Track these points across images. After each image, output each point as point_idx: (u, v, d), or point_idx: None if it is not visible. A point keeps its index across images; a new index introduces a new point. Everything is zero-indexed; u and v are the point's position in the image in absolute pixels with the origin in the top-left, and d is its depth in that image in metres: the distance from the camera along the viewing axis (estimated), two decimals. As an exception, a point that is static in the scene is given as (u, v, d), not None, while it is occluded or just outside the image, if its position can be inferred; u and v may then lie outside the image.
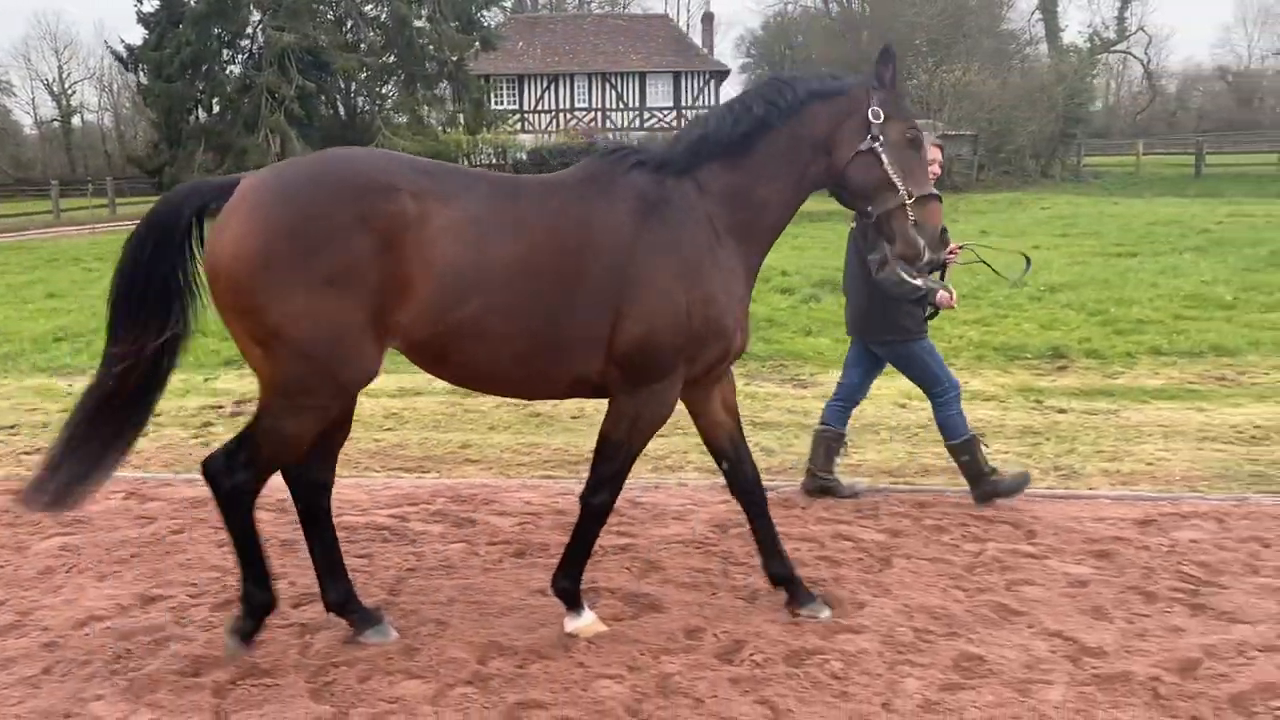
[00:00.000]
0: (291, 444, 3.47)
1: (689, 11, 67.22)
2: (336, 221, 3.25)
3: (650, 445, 3.98)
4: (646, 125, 46.30)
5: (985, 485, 5.35)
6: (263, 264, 3.22)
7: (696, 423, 4.07)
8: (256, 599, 3.66)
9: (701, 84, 46.91)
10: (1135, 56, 48.66)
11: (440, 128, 31.72)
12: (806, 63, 53.27)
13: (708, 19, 51.03)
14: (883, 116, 3.76)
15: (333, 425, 3.67)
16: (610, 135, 44.76)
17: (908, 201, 3.72)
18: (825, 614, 3.99)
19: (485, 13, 32.73)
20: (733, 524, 4.83)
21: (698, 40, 51.18)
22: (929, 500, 5.38)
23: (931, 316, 5.47)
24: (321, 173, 3.41)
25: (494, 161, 41.76)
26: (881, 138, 3.76)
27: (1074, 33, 43.90)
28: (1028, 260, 5.67)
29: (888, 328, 5.40)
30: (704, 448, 4.10)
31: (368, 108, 27.74)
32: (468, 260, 3.40)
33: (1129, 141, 43.90)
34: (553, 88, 47.08)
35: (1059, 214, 23.13)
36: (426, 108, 32.43)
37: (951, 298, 5.27)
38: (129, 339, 3.40)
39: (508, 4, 46.94)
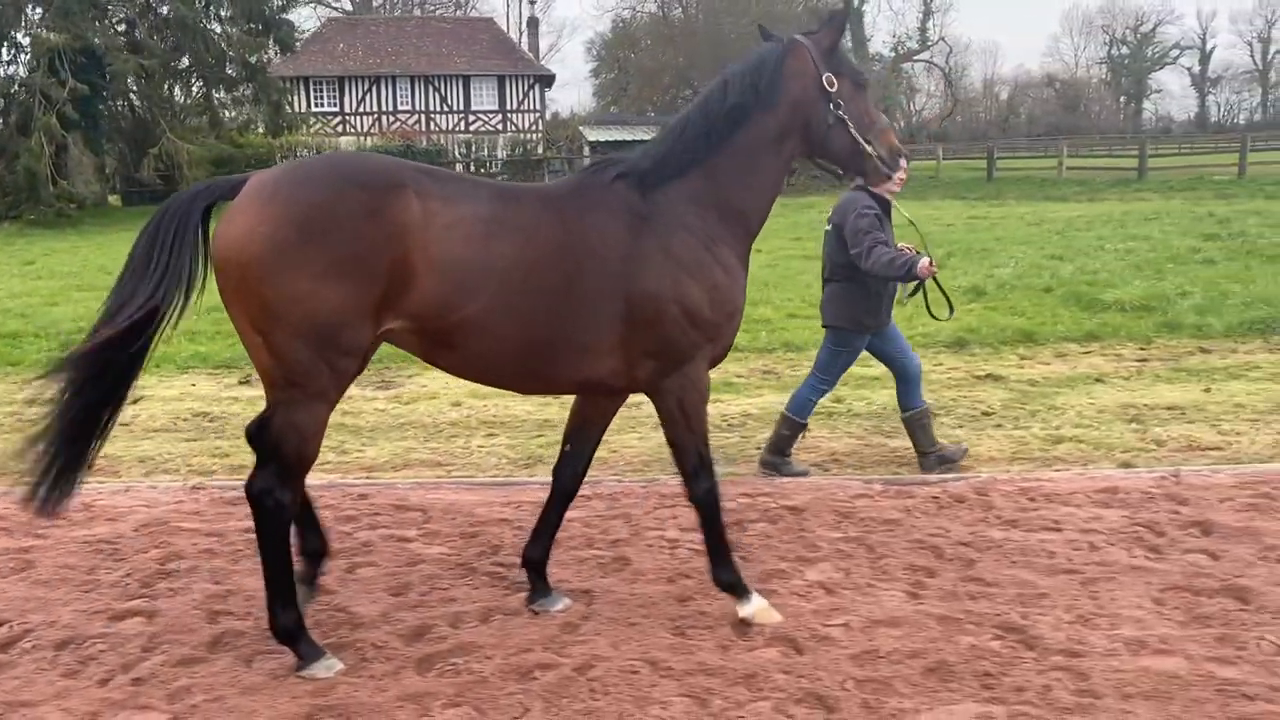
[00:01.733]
0: (310, 437, 3.41)
1: (521, 16, 66.42)
2: (343, 212, 3.27)
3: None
4: (471, 128, 45.15)
5: (931, 455, 5.70)
6: (270, 250, 3.21)
7: (576, 401, 4.07)
8: (287, 620, 3.50)
9: (527, 88, 45.95)
10: (937, 65, 50.62)
11: (236, 130, 30.02)
12: (645, 68, 53.47)
13: (532, 24, 50.06)
14: (834, 81, 3.84)
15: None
16: (433, 138, 43.53)
17: (871, 151, 3.86)
18: (560, 605, 3.98)
19: (285, 14, 31.11)
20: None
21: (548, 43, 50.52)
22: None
23: (915, 292, 5.70)
24: (330, 169, 3.44)
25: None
26: (841, 103, 3.85)
27: (879, 43, 45.33)
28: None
29: (863, 315, 5.64)
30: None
31: (154, 110, 25.90)
32: (470, 258, 3.41)
33: (932, 147, 45.59)
34: (375, 90, 45.19)
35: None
36: (225, 111, 30.73)
37: (931, 264, 5.40)
38: (123, 316, 3.32)
39: (309, 5, 45.16)
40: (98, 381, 3.38)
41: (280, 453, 3.41)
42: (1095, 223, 19.43)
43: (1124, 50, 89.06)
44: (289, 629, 3.51)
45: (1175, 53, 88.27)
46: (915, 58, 45.96)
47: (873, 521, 4.81)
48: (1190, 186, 31.36)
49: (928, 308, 5.66)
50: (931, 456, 5.70)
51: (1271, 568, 4.14)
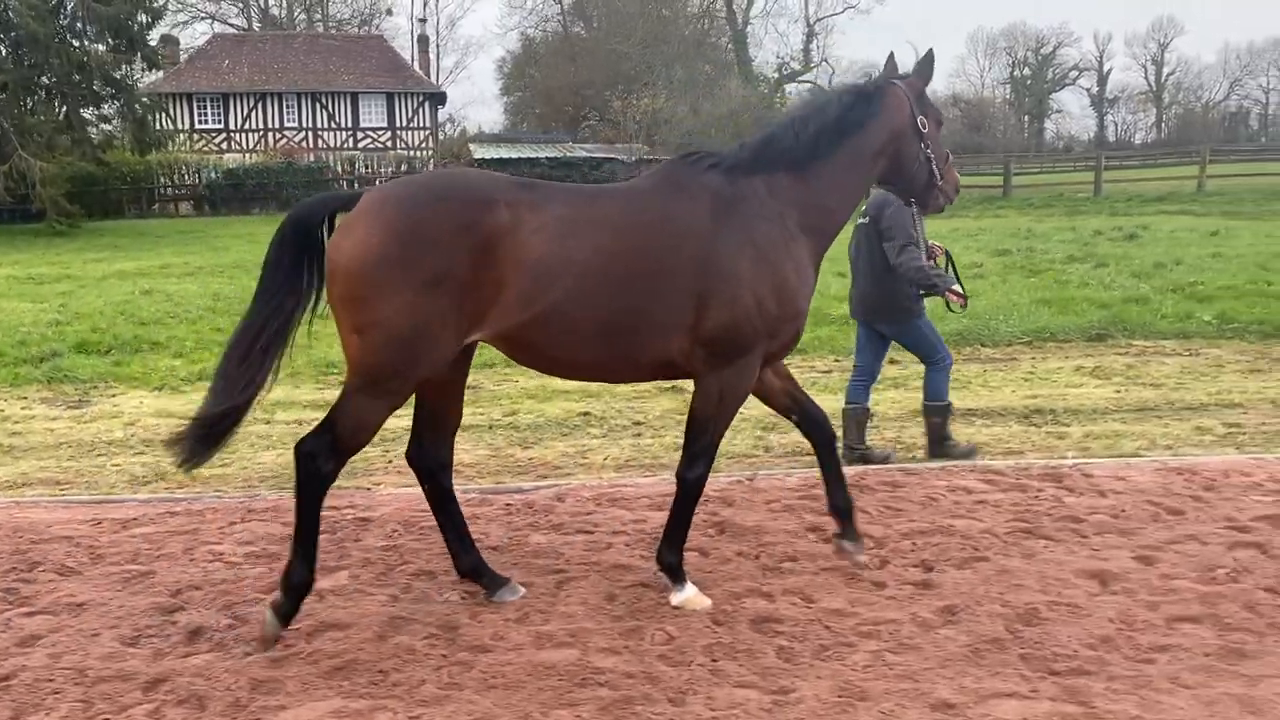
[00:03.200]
0: (369, 426, 3.71)
1: (438, 34, 66.26)
2: (441, 230, 3.55)
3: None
4: (360, 145, 44.93)
5: (942, 448, 6.11)
6: (377, 262, 3.51)
7: (758, 395, 4.30)
8: (300, 578, 3.74)
9: (417, 105, 45.98)
10: (821, 87, 51.58)
11: (99, 148, 29.44)
12: (548, 86, 53.54)
13: (423, 42, 50.14)
14: (925, 124, 4.28)
15: (449, 409, 4.17)
16: (321, 155, 43.18)
17: (941, 184, 4.38)
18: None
19: (150, 31, 30.65)
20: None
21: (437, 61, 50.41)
22: None
23: (925, 295, 6.01)
24: (433, 188, 3.76)
25: (187, 181, 39.49)
26: (929, 144, 4.29)
27: (763, 63, 46.29)
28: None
29: (895, 309, 6.01)
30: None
31: (3, 127, 25.32)
32: (553, 253, 3.67)
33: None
34: (260, 106, 44.63)
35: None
36: (91, 128, 30.14)
37: (964, 300, 5.83)
38: (266, 312, 3.70)
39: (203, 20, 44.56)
40: (251, 382, 3.71)
41: (336, 429, 3.69)
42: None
43: (1026, 71, 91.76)
44: (296, 586, 3.74)
45: (1074, 74, 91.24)
46: (799, 79, 47.02)
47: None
48: (1047, 204, 32.63)
49: (947, 305, 5.96)
50: (855, 453, 6.15)
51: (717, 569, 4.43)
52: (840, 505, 4.40)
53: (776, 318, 3.93)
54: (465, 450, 6.51)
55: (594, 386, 8.17)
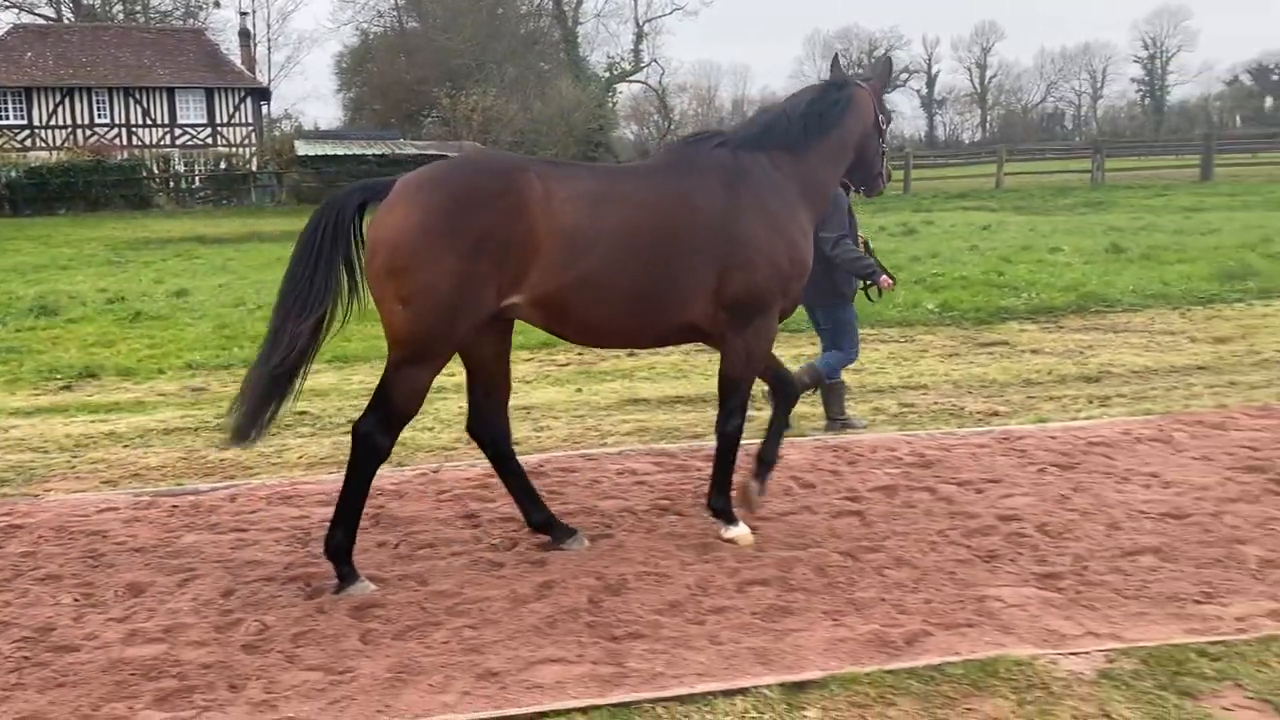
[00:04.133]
0: (419, 393, 4.02)
1: (269, 27, 64.03)
2: (480, 197, 3.85)
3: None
4: (178, 142, 43.12)
5: (839, 421, 6.62)
6: (420, 234, 3.80)
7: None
8: (341, 541, 4.08)
9: (238, 101, 44.41)
10: (651, 87, 52.70)
11: None
12: (383, 82, 52.42)
13: (244, 35, 48.47)
14: (885, 120, 4.91)
15: (500, 382, 4.53)
16: (135, 152, 41.23)
17: (885, 174, 5.05)
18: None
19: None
20: None
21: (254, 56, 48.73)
22: None
23: (864, 289, 6.50)
24: (466, 164, 4.13)
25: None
26: (885, 140, 4.94)
27: (595, 62, 46.68)
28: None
29: (834, 294, 6.43)
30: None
31: None
32: (586, 223, 4.00)
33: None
34: (68, 101, 42.33)
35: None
36: None
37: (893, 282, 6.47)
38: (299, 309, 3.91)
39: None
40: (297, 355, 3.96)
41: (389, 403, 3.98)
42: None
43: (860, 72, 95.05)
44: (340, 550, 4.09)
45: (905, 76, 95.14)
46: (629, 79, 47.61)
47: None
48: (860, 201, 33.97)
49: (866, 294, 6.60)
50: (837, 422, 6.61)
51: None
52: (767, 458, 4.81)
53: (788, 276, 4.42)
54: (157, 454, 6.43)
55: (325, 385, 8.18)
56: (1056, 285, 11.20)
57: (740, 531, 4.55)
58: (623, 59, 46.88)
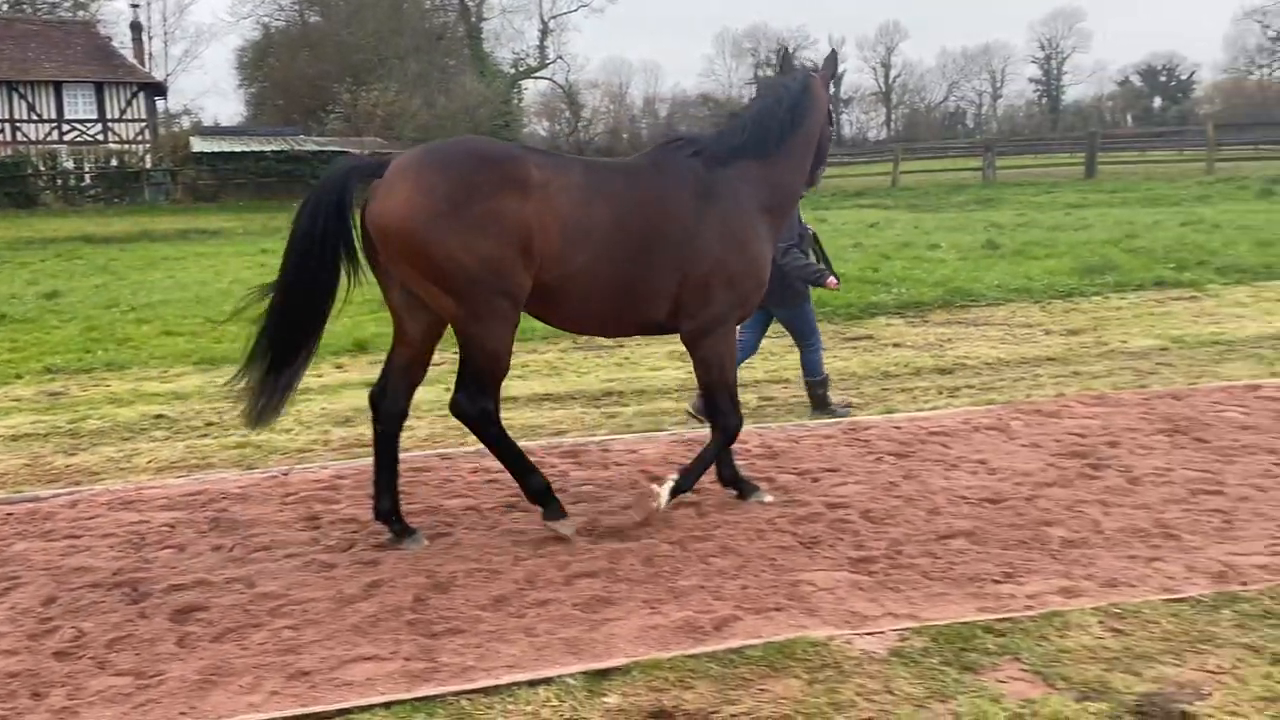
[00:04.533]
0: (502, 353, 4.22)
1: (164, 17, 61.99)
2: (483, 182, 4.00)
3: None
4: (66, 138, 41.58)
5: (825, 411, 6.89)
6: (429, 216, 3.93)
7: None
8: (535, 484, 4.43)
9: (130, 96, 42.99)
10: (558, 84, 52.66)
11: None
12: (285, 77, 51.22)
13: (136, 28, 46.97)
14: (835, 111, 5.21)
15: (416, 365, 4.56)
16: (20, 148, 39.62)
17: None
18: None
19: None
20: None
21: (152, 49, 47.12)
22: None
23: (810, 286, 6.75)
24: (467, 149, 4.21)
25: None
26: (835, 128, 5.62)
27: (501, 58, 46.38)
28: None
29: (792, 296, 6.72)
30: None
31: None
32: (582, 215, 4.20)
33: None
34: (-55, 96, 40.76)
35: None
36: None
37: (838, 283, 6.68)
38: (300, 285, 4.10)
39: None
40: (294, 326, 4.17)
41: (480, 372, 4.20)
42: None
43: (769, 72, 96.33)
44: (539, 490, 4.48)
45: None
46: (535, 75, 47.47)
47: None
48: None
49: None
50: (826, 410, 6.94)
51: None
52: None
53: (745, 292, 4.67)
54: (1, 460, 6.26)
55: (189, 388, 8.05)
56: (927, 281, 11.55)
57: (664, 492, 4.70)
58: (528, 55, 46.78)
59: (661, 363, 8.61)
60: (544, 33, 47.30)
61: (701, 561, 4.31)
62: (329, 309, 4.24)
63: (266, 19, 55.05)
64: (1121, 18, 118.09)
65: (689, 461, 4.94)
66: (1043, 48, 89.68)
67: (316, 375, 8.47)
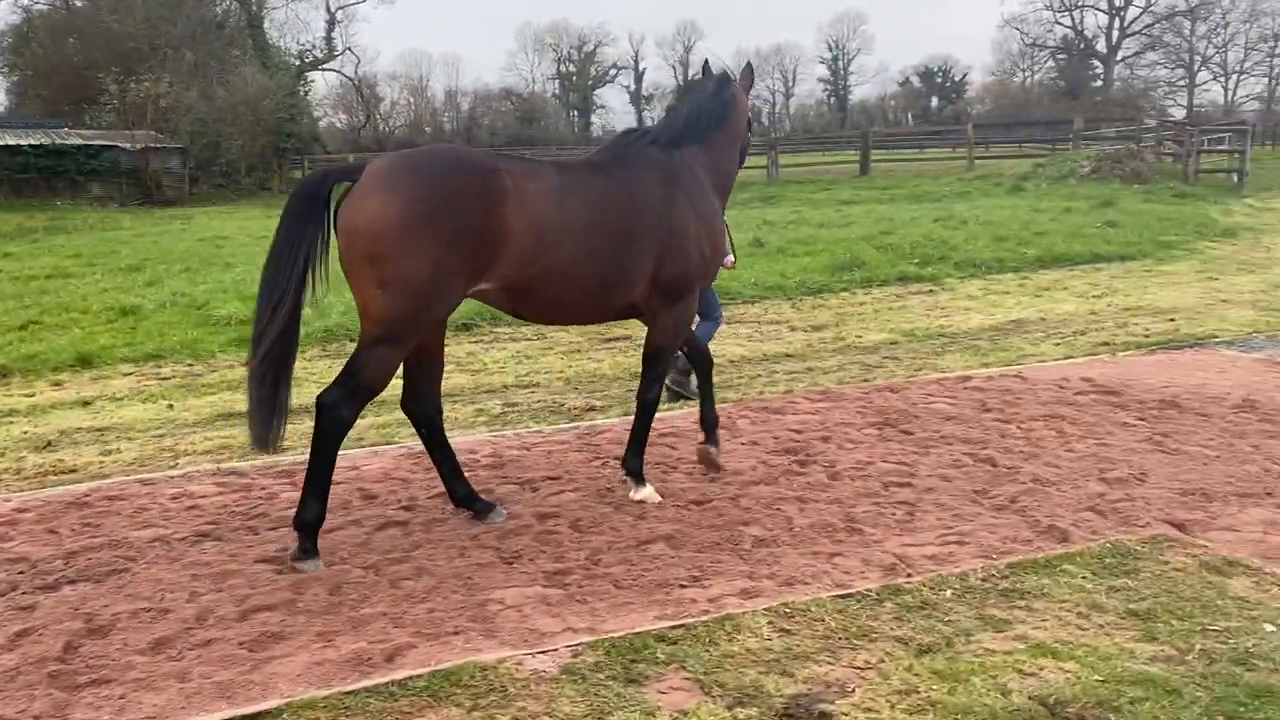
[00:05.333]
0: (387, 371, 4.25)
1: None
2: (459, 194, 4.13)
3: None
4: None
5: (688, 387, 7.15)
6: (402, 224, 4.01)
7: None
8: (311, 514, 4.29)
9: None
10: (347, 76, 50.90)
11: None
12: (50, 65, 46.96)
13: None
14: (754, 115, 5.92)
15: (435, 362, 4.82)
16: None
17: None
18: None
19: None
20: None
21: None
22: None
23: None
24: (444, 158, 4.30)
25: None
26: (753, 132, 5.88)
27: (287, 50, 44.21)
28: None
29: None
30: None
31: None
32: (555, 216, 4.39)
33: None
34: None
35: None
36: None
37: (734, 260, 6.89)
38: (278, 292, 4.13)
39: None
40: (279, 339, 4.13)
41: (357, 379, 4.16)
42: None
43: (571, 68, 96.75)
44: (308, 523, 4.28)
45: (614, 72, 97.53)
46: (322, 67, 45.73)
47: None
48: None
49: None
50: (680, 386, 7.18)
51: None
52: (710, 419, 5.36)
53: (710, 261, 5.00)
54: None
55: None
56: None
57: (648, 492, 5.06)
58: (315, 47, 44.88)
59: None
60: (331, 23, 45.53)
61: (393, 586, 4.15)
62: (299, 314, 4.21)
63: (27, 2, 50.53)
64: (902, 22, 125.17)
65: (628, 447, 5.17)
66: (830, 49, 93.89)
67: (28, 395, 7.77)
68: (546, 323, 5.20)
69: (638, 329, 9.79)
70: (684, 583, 4.12)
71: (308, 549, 4.28)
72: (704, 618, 3.77)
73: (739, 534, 4.59)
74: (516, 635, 3.69)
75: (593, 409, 7.13)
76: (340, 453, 6.03)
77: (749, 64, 5.63)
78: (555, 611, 3.88)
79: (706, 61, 5.54)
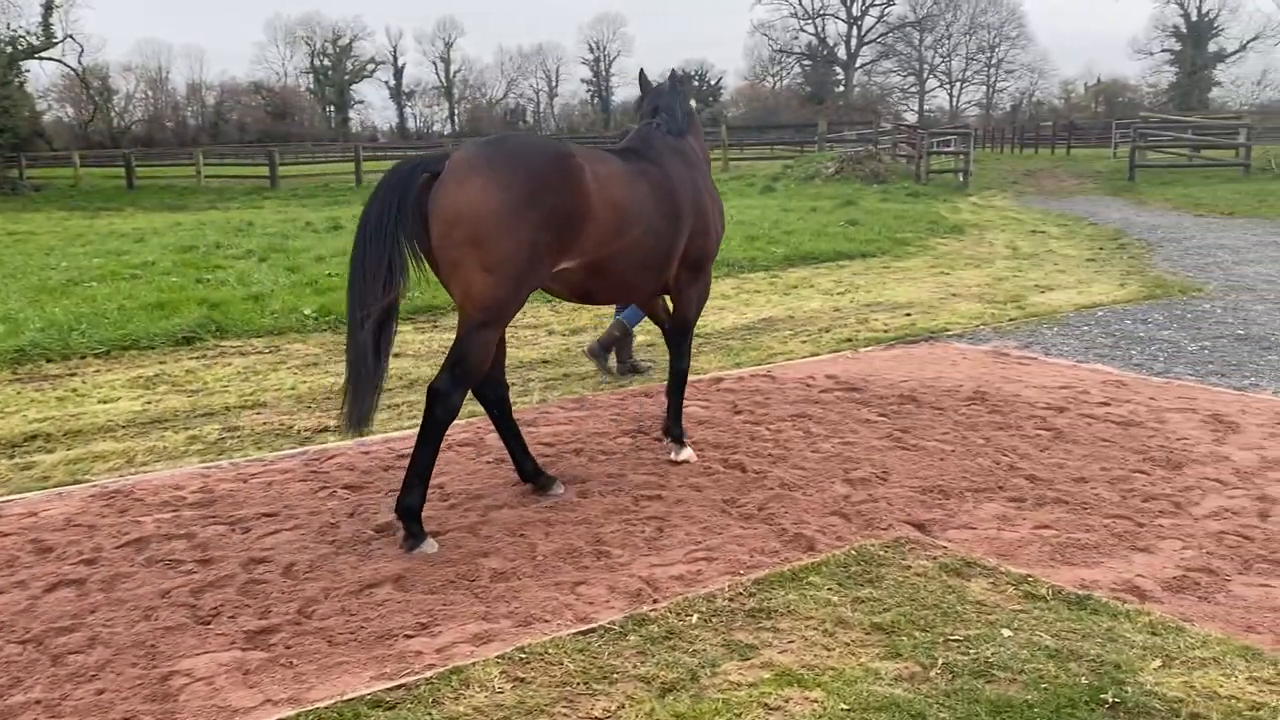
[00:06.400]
0: (490, 352, 4.42)
1: None
2: (548, 175, 4.31)
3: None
4: None
5: (626, 364, 7.65)
6: (503, 206, 4.15)
7: (648, 309, 5.64)
8: (417, 500, 4.36)
9: None
10: (69, 66, 46.33)
11: None
12: None
13: None
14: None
15: (503, 342, 4.96)
16: None
17: None
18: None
19: None
20: None
21: None
22: None
23: None
24: (528, 143, 4.51)
25: None
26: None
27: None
28: None
29: None
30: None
31: None
32: (628, 197, 4.69)
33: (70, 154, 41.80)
34: None
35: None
36: None
37: None
38: (375, 285, 4.09)
39: None
40: (374, 328, 4.17)
41: (466, 364, 4.31)
42: (136, 234, 18.46)
43: (326, 62, 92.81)
44: (412, 508, 4.35)
45: (372, 67, 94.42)
46: (39, 55, 41.29)
47: None
48: (313, 194, 32.84)
49: None
50: (626, 364, 7.55)
51: None
52: (608, 342, 6.48)
53: (719, 236, 5.43)
54: None
55: None
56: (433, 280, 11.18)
57: (688, 453, 5.51)
58: (30, 33, 40.38)
59: (117, 392, 7.39)
60: (49, 7, 41.01)
61: (56, 663, 3.46)
62: (394, 302, 4.20)
63: None
64: (660, 25, 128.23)
65: (667, 415, 5.61)
66: (591, 50, 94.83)
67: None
68: (607, 302, 5.39)
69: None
70: (410, 631, 3.66)
71: (416, 532, 4.35)
72: (428, 674, 3.33)
73: (476, 568, 4.18)
74: (204, 715, 3.13)
75: (326, 429, 6.50)
76: (18, 496, 5.22)
77: (684, 74, 6.32)
78: (254, 680, 3.32)
79: (642, 70, 5.93)
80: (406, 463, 5.53)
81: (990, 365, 7.83)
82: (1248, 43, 71.17)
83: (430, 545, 4.34)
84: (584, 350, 7.74)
